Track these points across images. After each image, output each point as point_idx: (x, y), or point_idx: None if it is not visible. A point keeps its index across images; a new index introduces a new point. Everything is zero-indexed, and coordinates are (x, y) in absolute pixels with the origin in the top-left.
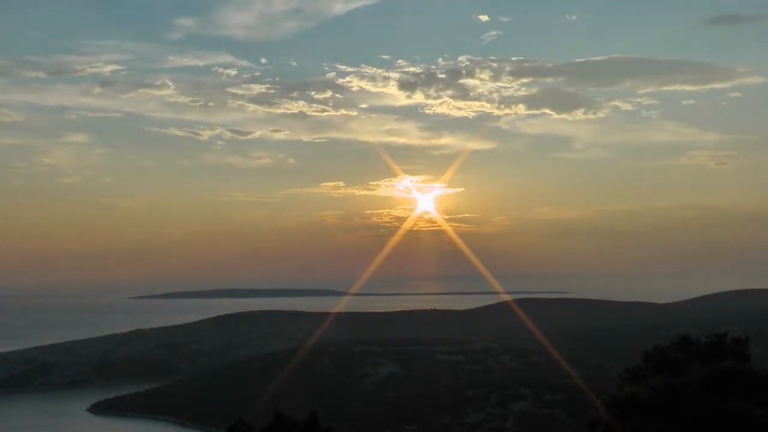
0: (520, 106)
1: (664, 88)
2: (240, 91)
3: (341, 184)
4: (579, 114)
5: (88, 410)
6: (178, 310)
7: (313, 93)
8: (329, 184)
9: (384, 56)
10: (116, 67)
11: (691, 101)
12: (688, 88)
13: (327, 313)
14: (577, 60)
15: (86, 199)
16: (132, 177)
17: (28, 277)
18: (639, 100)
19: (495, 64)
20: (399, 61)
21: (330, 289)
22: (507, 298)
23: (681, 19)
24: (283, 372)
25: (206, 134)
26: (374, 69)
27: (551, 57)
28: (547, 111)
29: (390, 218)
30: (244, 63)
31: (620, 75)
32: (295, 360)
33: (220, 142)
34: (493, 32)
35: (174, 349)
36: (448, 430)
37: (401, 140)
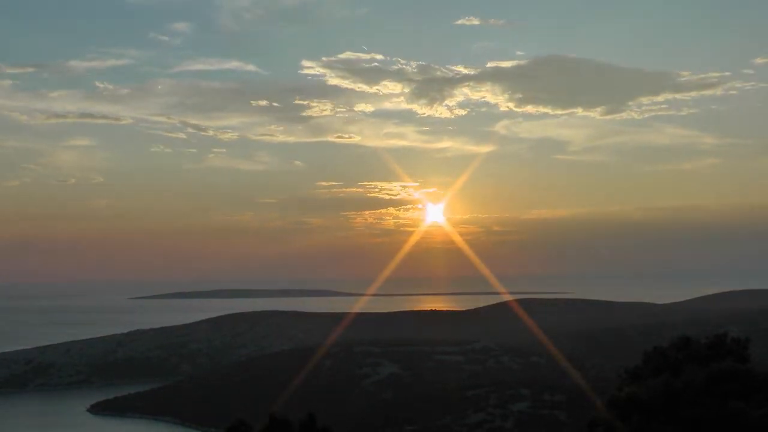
0: (515, 108)
1: (658, 93)
2: (240, 95)
3: (340, 186)
4: (574, 113)
5: (88, 410)
6: (178, 311)
7: (312, 96)
8: (328, 184)
9: (384, 60)
10: (119, 72)
11: (684, 107)
12: (682, 94)
13: (327, 314)
14: (572, 61)
15: (88, 201)
16: (134, 180)
17: (29, 277)
18: (633, 103)
19: (489, 69)
20: (399, 65)
21: (329, 289)
22: (507, 298)
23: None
24: (283, 372)
25: (207, 137)
26: (374, 73)
27: (542, 58)
28: (543, 111)
29: (390, 220)
30: (243, 67)
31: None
32: (295, 360)
33: (220, 145)
34: (485, 42)
35: (174, 350)
36: (448, 430)
37: (401, 143)
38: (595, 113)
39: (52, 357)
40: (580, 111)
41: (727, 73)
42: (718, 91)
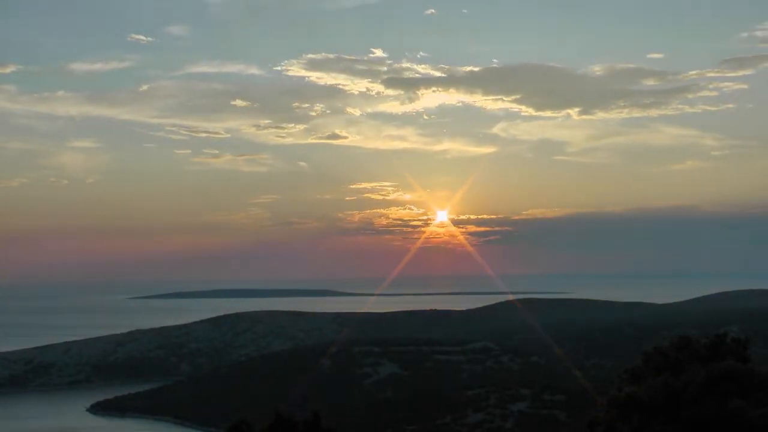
0: (513, 108)
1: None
2: (240, 96)
3: (339, 187)
4: (573, 114)
5: (88, 410)
6: (178, 310)
7: (310, 97)
8: (327, 185)
9: (383, 61)
10: (120, 74)
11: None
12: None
13: (327, 313)
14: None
15: (89, 202)
16: (135, 181)
17: (28, 277)
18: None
19: (485, 70)
20: (399, 66)
21: (329, 289)
22: (507, 298)
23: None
24: (283, 372)
25: (208, 139)
26: (374, 75)
27: (535, 61)
28: (542, 113)
29: (388, 221)
30: (245, 70)
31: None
32: (295, 360)
33: (220, 146)
34: (479, 47)
35: (174, 349)
36: (448, 430)
37: (402, 145)
38: (592, 116)
39: (51, 357)
40: (573, 114)
41: (714, 73)
42: (711, 92)
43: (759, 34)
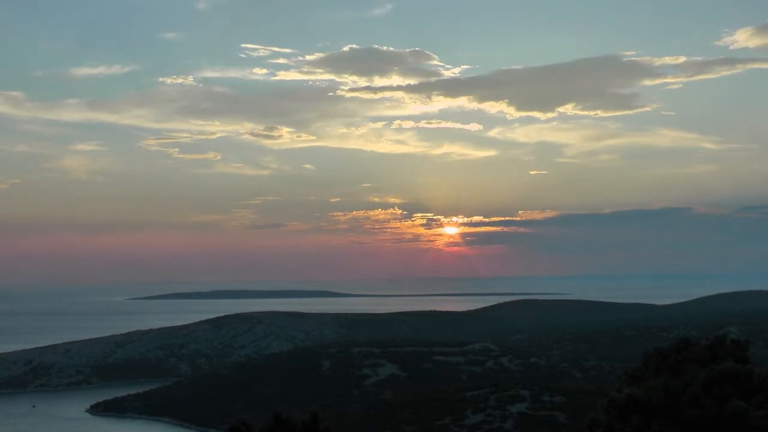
0: (509, 110)
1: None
2: (239, 101)
3: (340, 189)
4: (568, 111)
5: (88, 411)
6: (178, 311)
7: (312, 102)
8: (326, 188)
9: (382, 66)
10: (123, 78)
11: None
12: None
13: (326, 314)
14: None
15: (90, 204)
16: (137, 183)
17: (28, 278)
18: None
19: (485, 73)
20: (399, 70)
21: (328, 290)
22: (506, 299)
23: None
24: (282, 373)
25: (209, 141)
26: (374, 79)
27: (533, 63)
28: (537, 114)
29: (387, 223)
30: (242, 74)
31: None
32: (295, 361)
33: (221, 149)
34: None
35: (173, 350)
36: (448, 431)
37: (401, 149)
38: (595, 113)
39: (51, 358)
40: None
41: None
42: (687, 93)
43: (737, 37)
